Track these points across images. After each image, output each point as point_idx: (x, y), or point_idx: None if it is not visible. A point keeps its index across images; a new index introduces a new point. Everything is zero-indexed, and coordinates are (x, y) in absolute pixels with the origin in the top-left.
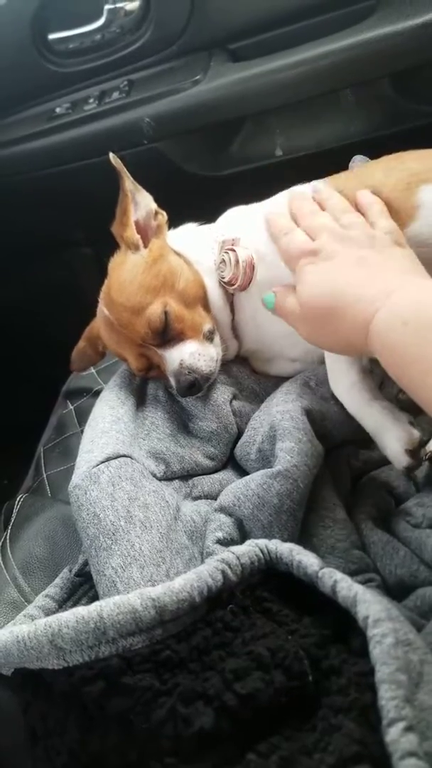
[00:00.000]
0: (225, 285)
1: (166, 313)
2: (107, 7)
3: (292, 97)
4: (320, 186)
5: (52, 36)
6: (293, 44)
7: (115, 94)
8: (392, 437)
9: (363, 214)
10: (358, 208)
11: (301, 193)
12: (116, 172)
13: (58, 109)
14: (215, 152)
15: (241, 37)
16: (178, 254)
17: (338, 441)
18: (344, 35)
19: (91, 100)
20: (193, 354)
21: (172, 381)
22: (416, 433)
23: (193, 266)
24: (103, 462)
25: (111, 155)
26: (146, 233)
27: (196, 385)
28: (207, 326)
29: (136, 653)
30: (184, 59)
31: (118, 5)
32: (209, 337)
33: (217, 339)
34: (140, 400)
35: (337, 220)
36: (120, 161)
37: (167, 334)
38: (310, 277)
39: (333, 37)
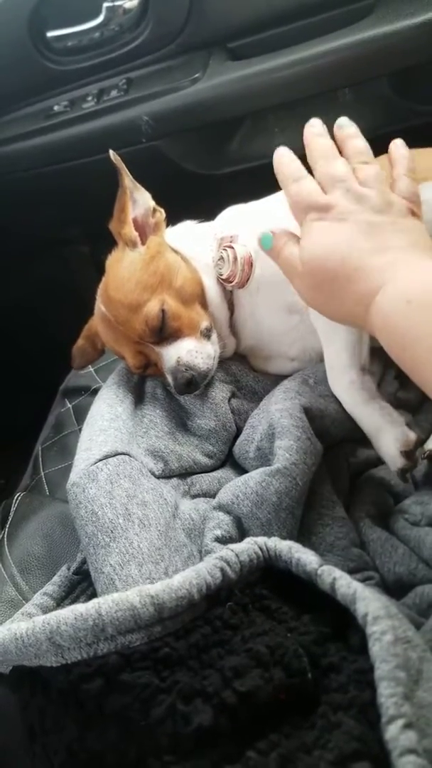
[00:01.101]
0: (223, 282)
1: (163, 310)
2: (106, 4)
3: (290, 96)
4: (345, 121)
5: (50, 33)
6: (292, 43)
7: (114, 92)
8: (388, 438)
9: (391, 165)
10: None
11: (321, 129)
12: (115, 170)
13: (56, 107)
14: (214, 151)
15: (239, 35)
16: (175, 251)
17: (337, 439)
18: (342, 34)
19: (90, 98)
20: (191, 351)
21: (170, 378)
22: (412, 435)
23: (190, 263)
24: (101, 460)
25: (111, 152)
26: (144, 230)
27: (194, 383)
28: (204, 324)
29: (134, 650)
30: (182, 58)
31: (117, 3)
32: (206, 335)
33: (214, 336)
34: (139, 398)
35: (355, 170)
36: (119, 158)
37: (164, 331)
38: (317, 235)
39: (331, 36)
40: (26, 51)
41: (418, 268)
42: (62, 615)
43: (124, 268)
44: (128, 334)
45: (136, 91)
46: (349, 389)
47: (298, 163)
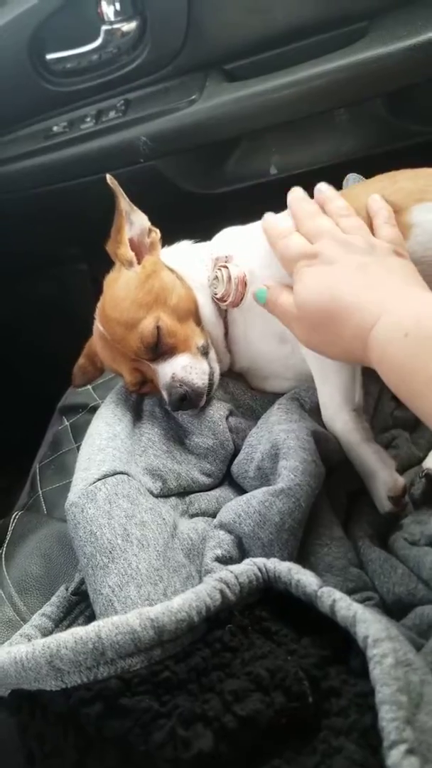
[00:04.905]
0: (217, 301)
1: (158, 328)
2: (104, 27)
3: (286, 117)
4: (324, 186)
5: (49, 56)
6: (287, 65)
7: (112, 114)
8: (378, 481)
9: (371, 219)
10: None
11: (303, 194)
12: (112, 193)
13: (55, 128)
14: (211, 171)
15: (236, 57)
16: (171, 270)
17: (339, 464)
18: (338, 56)
19: (88, 119)
20: (185, 367)
21: (165, 394)
22: (401, 481)
23: (185, 282)
24: (99, 479)
25: (108, 176)
26: (140, 251)
27: (188, 399)
28: (200, 341)
29: (134, 674)
30: (180, 79)
31: (115, 26)
32: (204, 352)
33: (212, 354)
34: (137, 416)
35: (337, 224)
36: (115, 182)
37: (160, 348)
38: (308, 279)
39: (327, 57)
40: (26, 73)
41: (412, 300)
42: (62, 638)
43: (120, 288)
44: (125, 351)
45: (134, 112)
46: (342, 430)
47: (285, 222)
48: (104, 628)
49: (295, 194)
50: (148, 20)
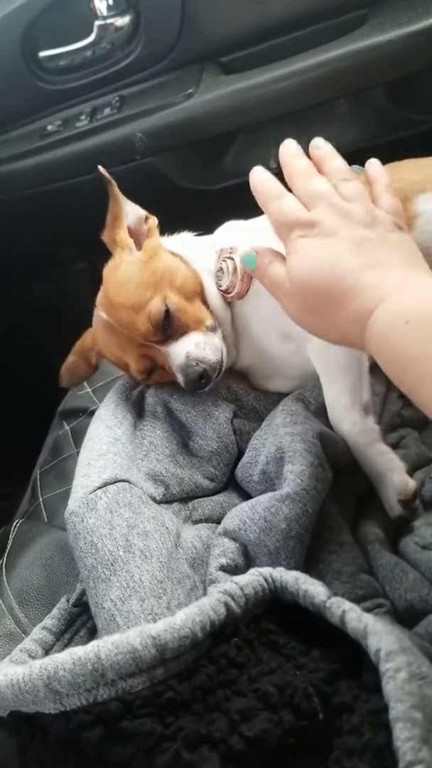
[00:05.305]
0: (223, 293)
1: (167, 306)
2: (97, 23)
3: (285, 109)
4: (321, 142)
5: (42, 53)
6: (285, 55)
7: (107, 110)
8: (388, 485)
9: (370, 185)
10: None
11: (297, 149)
12: (106, 182)
13: (50, 127)
14: (209, 166)
15: (232, 49)
16: (174, 254)
17: (348, 464)
18: (336, 45)
19: (83, 117)
20: (199, 344)
21: (180, 376)
22: (411, 484)
23: (190, 265)
24: (100, 487)
25: (99, 167)
26: (138, 239)
27: (206, 376)
28: (209, 321)
29: (136, 696)
30: (175, 73)
31: (108, 21)
32: (212, 330)
33: (219, 333)
34: (138, 416)
35: (336, 188)
36: (106, 172)
37: (169, 328)
38: (304, 251)
39: (325, 47)
40: (19, 72)
41: (414, 285)
42: (60, 659)
43: (123, 272)
44: (132, 336)
45: (130, 109)
46: (350, 431)
47: (276, 181)
48: (104, 647)
49: (288, 149)
50: (142, 14)
